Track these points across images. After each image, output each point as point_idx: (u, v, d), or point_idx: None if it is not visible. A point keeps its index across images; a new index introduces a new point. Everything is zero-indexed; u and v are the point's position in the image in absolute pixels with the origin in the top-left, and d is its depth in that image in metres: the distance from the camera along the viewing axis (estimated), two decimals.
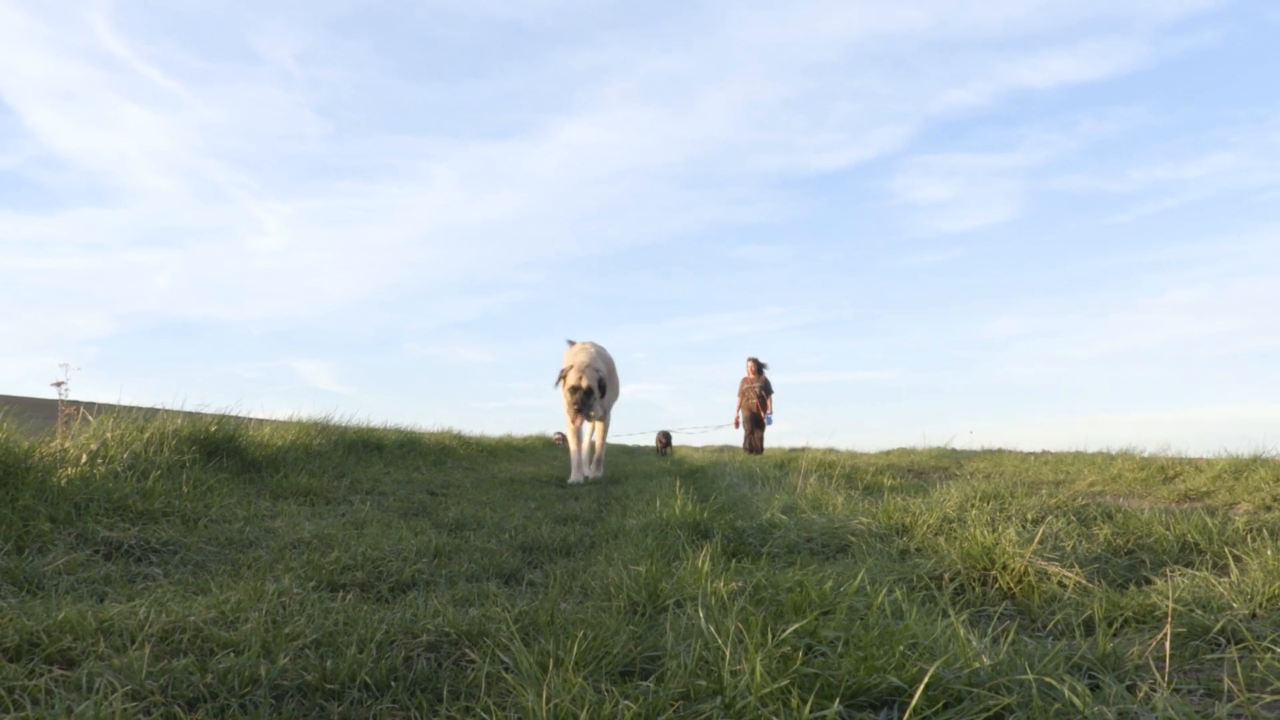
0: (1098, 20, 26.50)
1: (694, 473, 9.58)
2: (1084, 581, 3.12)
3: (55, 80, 25.35)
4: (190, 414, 6.44)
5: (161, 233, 28.74)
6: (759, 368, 17.98)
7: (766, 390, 17.82)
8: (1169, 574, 3.25)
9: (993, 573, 3.29)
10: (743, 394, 18.12)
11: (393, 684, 2.13)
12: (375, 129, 29.36)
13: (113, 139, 27.40)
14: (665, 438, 18.49)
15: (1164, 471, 7.87)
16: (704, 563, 3.26)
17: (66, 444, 4.90)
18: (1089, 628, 2.66)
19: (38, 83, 25.02)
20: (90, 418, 5.47)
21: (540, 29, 28.15)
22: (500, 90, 29.07)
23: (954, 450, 13.24)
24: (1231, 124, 25.36)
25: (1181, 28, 25.37)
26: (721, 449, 18.77)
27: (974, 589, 3.22)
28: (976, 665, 1.99)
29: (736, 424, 18.03)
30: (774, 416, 17.85)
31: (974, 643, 2.16)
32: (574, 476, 9.15)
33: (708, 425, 21.44)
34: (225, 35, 27.17)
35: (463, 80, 28.80)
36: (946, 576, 3.31)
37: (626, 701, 1.79)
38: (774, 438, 17.82)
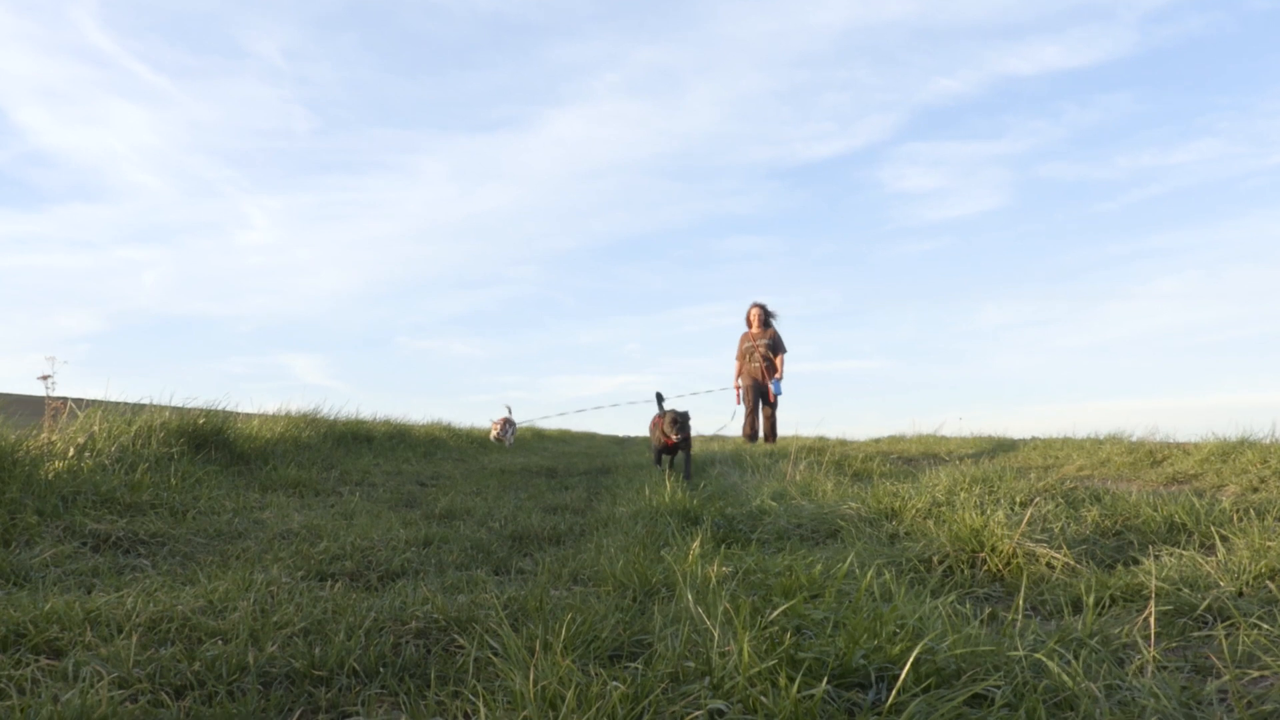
0: (1083, 8, 26.53)
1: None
2: (1072, 562, 3.14)
3: (42, 77, 25.17)
4: (178, 408, 6.42)
5: (150, 229, 28.56)
6: (766, 317, 12.72)
7: (775, 349, 12.62)
8: (1156, 554, 3.27)
9: (981, 555, 3.30)
10: (743, 355, 12.82)
11: (381, 670, 2.13)
12: (364, 124, 29.23)
13: (101, 135, 27.23)
14: (680, 425, 7.28)
15: (1152, 455, 7.91)
16: (694, 548, 3.27)
17: (54, 437, 4.87)
18: (1077, 607, 2.67)
19: (24, 80, 24.84)
20: (78, 411, 5.44)
21: (526, 22, 28.05)
22: (488, 83, 28.96)
23: (943, 437, 13.29)
24: (1217, 110, 25.44)
25: (1166, 15, 25.43)
26: (711, 438, 15.58)
27: (963, 571, 3.23)
28: (964, 644, 1.99)
29: (739, 398, 12.75)
30: (783, 385, 12.62)
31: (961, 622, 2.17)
32: None
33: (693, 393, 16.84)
34: (212, 31, 27.00)
35: (450, 73, 28.69)
36: (935, 559, 3.32)
37: (615, 683, 1.79)
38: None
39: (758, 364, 12.58)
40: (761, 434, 12.76)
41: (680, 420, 7.22)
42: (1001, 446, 10.40)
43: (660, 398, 7.80)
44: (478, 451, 11.10)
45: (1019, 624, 2.31)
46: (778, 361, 12.61)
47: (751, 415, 12.71)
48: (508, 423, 12.69)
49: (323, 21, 27.40)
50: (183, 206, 28.42)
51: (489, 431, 12.73)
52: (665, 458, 7.58)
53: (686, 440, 7.28)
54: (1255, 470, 6.13)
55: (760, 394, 12.69)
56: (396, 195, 29.58)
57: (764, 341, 12.60)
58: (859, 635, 2.02)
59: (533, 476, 8.01)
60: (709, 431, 13.40)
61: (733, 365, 13.02)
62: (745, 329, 12.93)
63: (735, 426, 12.89)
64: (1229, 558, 2.93)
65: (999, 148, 27.47)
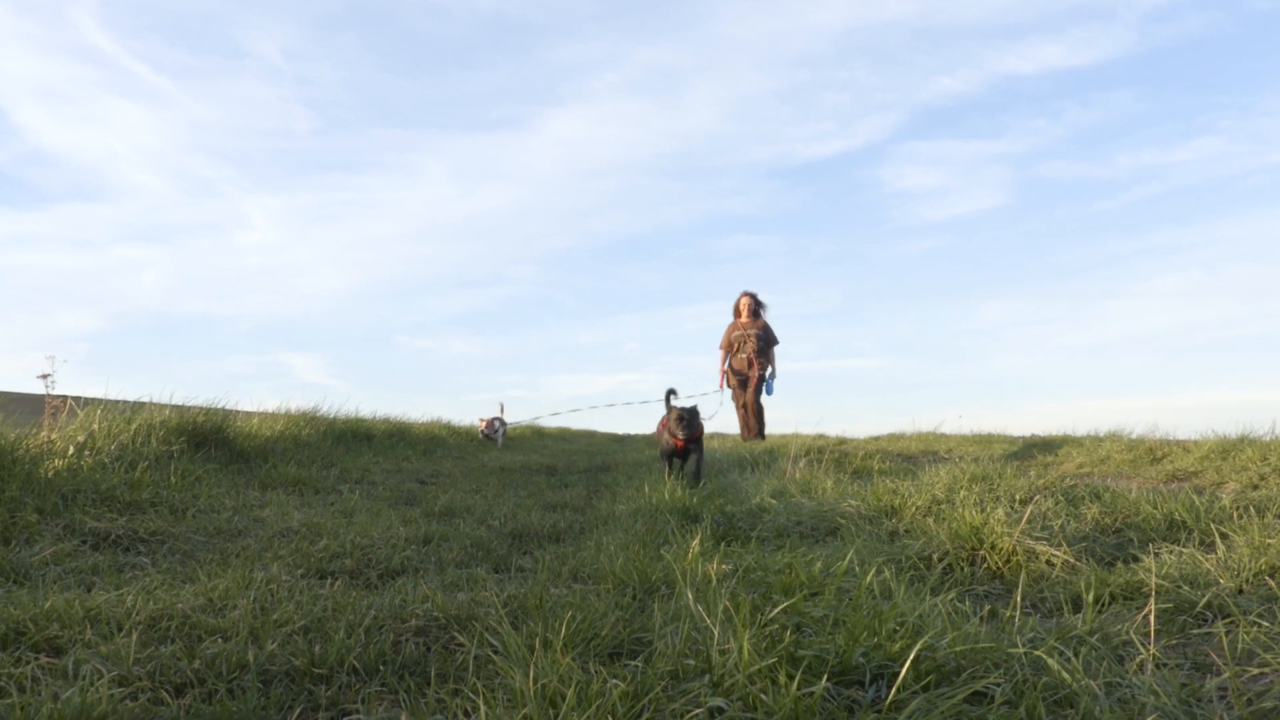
0: (1083, 8, 26.52)
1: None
2: (1072, 560, 3.14)
3: (42, 77, 25.16)
4: (178, 407, 6.42)
5: (150, 229, 28.53)
6: (757, 307, 12.30)
7: (767, 341, 12.14)
8: (1156, 551, 3.27)
9: (981, 552, 3.30)
10: (731, 344, 12.29)
11: (381, 667, 2.13)
12: (364, 123, 29.19)
13: (101, 135, 27.21)
14: (687, 423, 6.49)
15: (1152, 453, 7.91)
16: (694, 546, 3.27)
17: (53, 436, 4.87)
18: (1077, 605, 2.67)
19: (24, 80, 24.83)
20: (78, 410, 5.44)
21: (526, 22, 28.00)
22: (488, 83, 28.90)
23: (943, 435, 13.25)
24: (1217, 110, 25.42)
25: (1166, 15, 25.41)
26: (710, 436, 15.44)
27: (962, 569, 3.23)
28: (964, 642, 1.99)
29: (723, 384, 12.28)
30: (774, 383, 12.07)
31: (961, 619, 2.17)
32: None
33: (691, 395, 15.01)
34: (212, 31, 26.98)
35: (450, 73, 28.64)
36: (935, 557, 3.32)
37: (615, 680, 1.79)
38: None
39: (746, 355, 12.02)
40: (753, 430, 12.30)
41: (687, 418, 6.39)
42: (1001, 444, 10.39)
43: (670, 395, 6.93)
44: (477, 449, 11.09)
45: (1019, 621, 2.31)
46: (771, 356, 12.15)
47: (743, 412, 12.21)
48: (497, 420, 12.70)
49: (323, 21, 27.36)
50: (183, 206, 28.37)
51: (479, 429, 12.73)
52: (676, 462, 6.69)
53: (697, 441, 6.53)
54: (1255, 467, 6.13)
55: (744, 386, 12.12)
56: (396, 195, 29.53)
57: (755, 332, 12.06)
58: (859, 633, 2.02)
59: (532, 474, 8.01)
60: (708, 429, 13.23)
61: (717, 355, 12.52)
62: (733, 318, 12.43)
63: (723, 417, 13.04)
64: (1229, 555, 2.93)
65: (999, 147, 27.42)
